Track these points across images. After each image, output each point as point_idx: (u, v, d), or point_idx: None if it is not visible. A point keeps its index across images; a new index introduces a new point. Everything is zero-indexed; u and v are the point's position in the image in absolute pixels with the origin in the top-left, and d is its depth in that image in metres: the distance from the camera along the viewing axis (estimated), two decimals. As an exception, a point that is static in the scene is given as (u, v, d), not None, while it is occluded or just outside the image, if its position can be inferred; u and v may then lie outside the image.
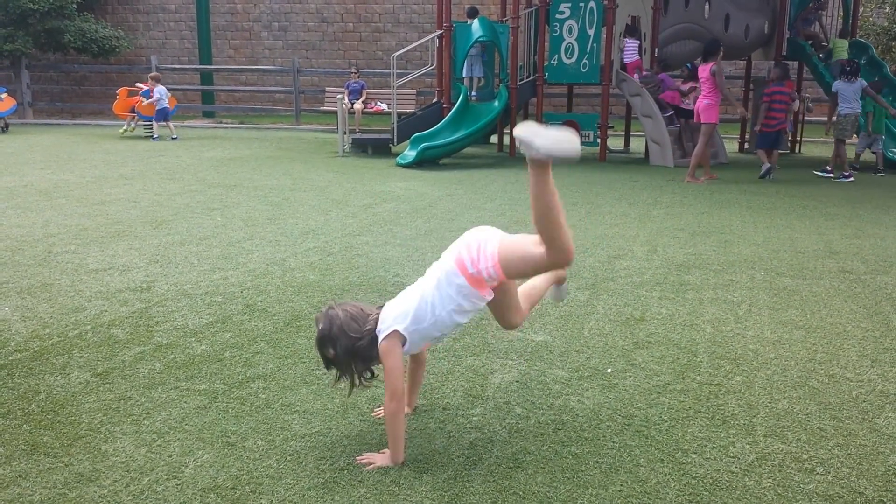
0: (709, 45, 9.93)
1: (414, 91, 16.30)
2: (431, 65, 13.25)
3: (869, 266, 5.41)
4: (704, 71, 9.73)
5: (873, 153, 11.29)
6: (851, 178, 10.21)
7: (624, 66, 12.10)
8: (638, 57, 11.99)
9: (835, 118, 10.64)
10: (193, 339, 3.75)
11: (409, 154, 10.77)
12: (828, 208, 7.89)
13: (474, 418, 2.92)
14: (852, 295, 4.67)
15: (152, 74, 14.74)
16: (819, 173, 10.51)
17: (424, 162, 10.69)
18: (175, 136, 14.03)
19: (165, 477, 2.49)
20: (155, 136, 14.03)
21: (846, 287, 4.84)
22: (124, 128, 14.48)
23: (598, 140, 12.06)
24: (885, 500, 2.40)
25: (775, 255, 5.69)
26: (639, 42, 12.09)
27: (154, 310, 4.19)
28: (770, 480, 2.51)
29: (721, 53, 9.79)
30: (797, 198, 8.54)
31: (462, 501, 2.34)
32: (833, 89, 10.61)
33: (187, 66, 20.22)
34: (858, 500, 2.40)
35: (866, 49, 13.48)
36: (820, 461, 2.64)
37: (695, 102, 11.70)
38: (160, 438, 2.75)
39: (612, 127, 12.75)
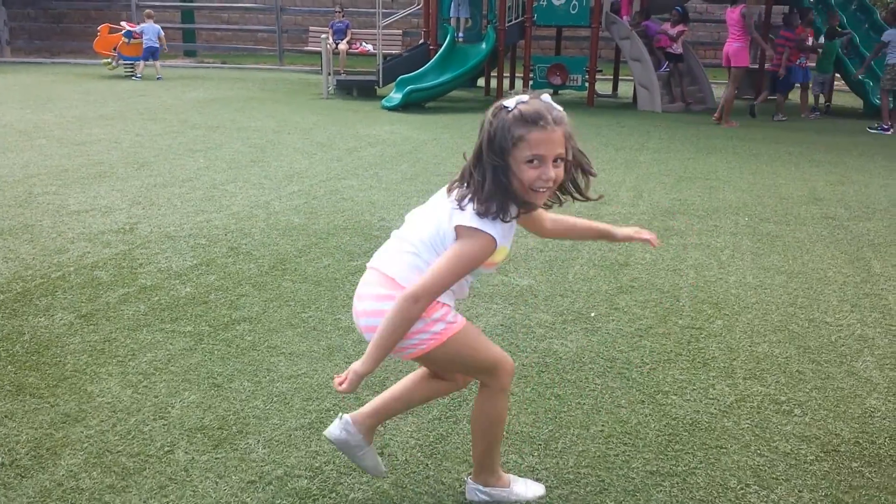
0: None
1: (400, 32, 15.99)
2: (418, 5, 12.98)
3: (852, 212, 5.44)
4: (734, 13, 9.61)
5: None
6: (889, 132, 9.78)
7: (617, 9, 11.89)
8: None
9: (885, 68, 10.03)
10: (178, 282, 3.74)
11: (395, 97, 10.62)
12: (813, 155, 7.89)
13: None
14: (834, 241, 4.71)
15: (147, 12, 14.37)
16: (873, 130, 9.86)
17: (410, 105, 10.56)
18: (160, 77, 13.75)
19: (152, 417, 2.51)
20: (138, 74, 13.73)
21: (829, 233, 4.88)
22: (107, 61, 14.14)
23: (587, 84, 11.94)
24: (860, 441, 2.46)
25: (759, 202, 5.71)
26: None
27: (137, 252, 4.16)
28: (748, 422, 2.56)
29: None
30: (783, 144, 8.54)
31: (447, 441, 2.38)
32: (884, 38, 9.95)
33: (168, 4, 19.70)
34: (835, 440, 2.46)
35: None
36: (798, 403, 2.70)
37: (681, 45, 11.56)
38: (146, 380, 2.76)
39: (600, 71, 12.61)
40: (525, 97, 1.77)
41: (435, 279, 1.77)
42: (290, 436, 2.40)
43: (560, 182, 1.80)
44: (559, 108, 1.79)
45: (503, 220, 1.77)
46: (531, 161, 1.73)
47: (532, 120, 1.72)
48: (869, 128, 9.95)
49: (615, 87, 13.92)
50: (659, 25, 12.05)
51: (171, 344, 3.06)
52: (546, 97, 1.80)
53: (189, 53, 19.37)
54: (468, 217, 1.76)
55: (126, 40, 13.93)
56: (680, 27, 11.62)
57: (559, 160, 1.76)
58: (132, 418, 2.50)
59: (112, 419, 2.49)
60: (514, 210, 1.80)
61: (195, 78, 14.40)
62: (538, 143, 1.72)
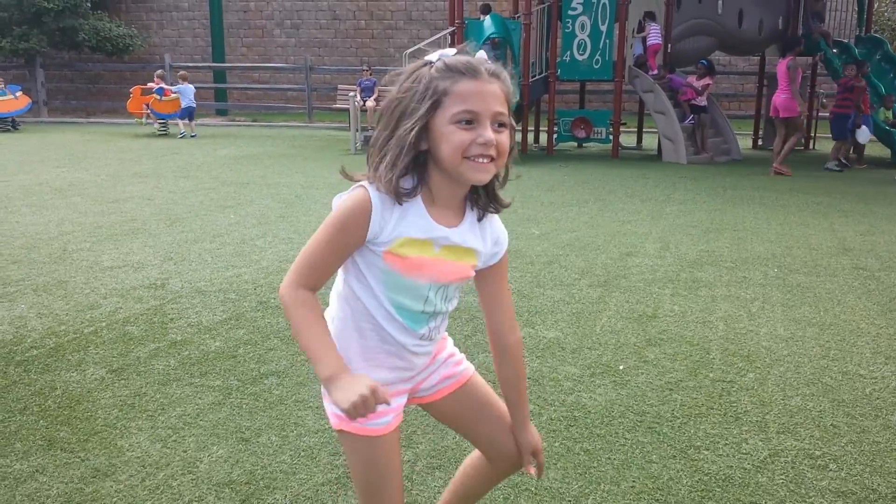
0: (789, 40, 10.12)
1: (426, 88, 16.29)
2: (443, 62, 13.23)
3: (883, 263, 5.37)
4: (781, 65, 9.84)
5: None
6: None
7: (641, 63, 12.03)
8: (660, 42, 11.87)
9: None
10: (207, 336, 3.78)
11: (421, 151, 10.77)
12: (842, 205, 7.84)
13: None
14: (866, 292, 4.64)
15: (182, 73, 14.87)
16: None
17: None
18: (194, 135, 14.13)
19: (181, 472, 2.52)
20: (191, 133, 14.19)
21: (860, 284, 4.82)
22: (139, 121, 14.60)
23: (611, 136, 12.02)
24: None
25: (788, 252, 5.66)
26: (660, 26, 11.95)
27: (168, 307, 4.22)
28: (783, 477, 2.51)
29: (800, 48, 9.88)
30: (811, 194, 8.49)
31: (474, 497, 2.35)
32: None
33: (200, 64, 20.33)
34: (871, 496, 2.39)
35: (881, 44, 13.37)
36: (833, 458, 2.64)
37: (707, 98, 11.66)
38: (175, 434, 2.78)
39: (624, 123, 12.71)
40: (451, 50, 1.46)
41: (302, 252, 1.46)
42: (317, 491, 2.39)
43: (507, 154, 1.44)
44: (497, 64, 1.45)
45: (398, 192, 1.41)
46: (461, 121, 1.37)
47: (461, 69, 1.39)
48: None
49: (639, 140, 14.00)
50: (683, 79, 12.16)
51: (199, 398, 3.08)
52: (482, 53, 1.47)
53: (221, 112, 19.88)
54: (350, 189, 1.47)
55: (158, 97, 14.35)
56: (706, 80, 11.71)
57: (501, 124, 1.41)
58: (161, 473, 2.51)
59: (141, 474, 2.50)
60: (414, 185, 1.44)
61: (227, 136, 14.75)
62: (470, 95, 1.37)
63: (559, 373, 3.36)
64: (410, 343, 1.56)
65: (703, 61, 12.06)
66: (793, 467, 2.57)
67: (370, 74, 16.12)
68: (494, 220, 1.59)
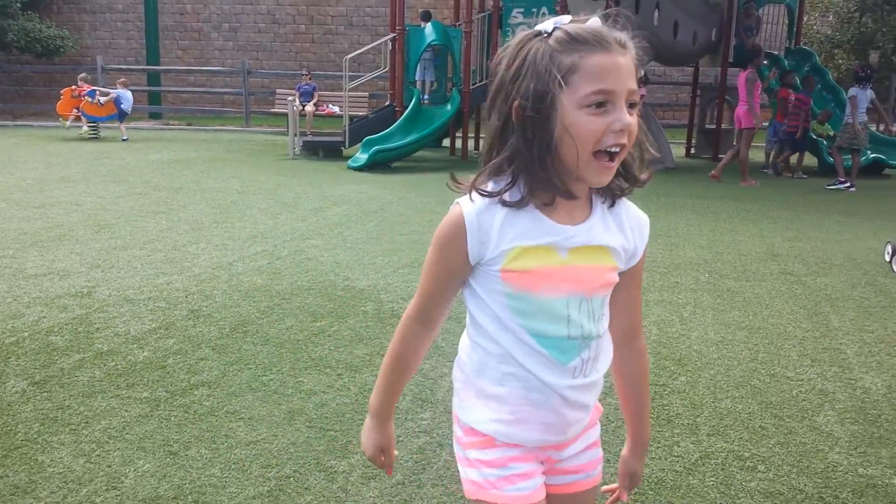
0: (748, 52, 10.41)
1: (366, 94, 16.22)
2: (384, 68, 13.21)
3: (809, 268, 5.55)
4: (741, 78, 10.08)
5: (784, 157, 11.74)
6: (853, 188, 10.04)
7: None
8: None
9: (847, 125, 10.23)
10: (135, 346, 3.66)
11: (361, 157, 10.71)
12: (770, 212, 8.08)
13: (423, 422, 2.91)
14: (793, 296, 4.79)
15: (122, 80, 14.47)
16: (831, 187, 10.09)
17: (376, 165, 10.64)
18: (125, 138, 13.74)
19: (105, 488, 2.42)
20: (122, 136, 13.78)
21: (787, 288, 4.96)
22: (68, 124, 14.15)
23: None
24: (824, 496, 2.46)
25: (719, 258, 5.80)
26: None
27: (94, 316, 4.08)
28: (713, 479, 2.55)
29: (759, 60, 10.16)
30: (741, 202, 8.73)
31: (409, 506, 2.33)
32: (850, 94, 10.23)
33: (134, 67, 19.82)
34: (798, 496, 2.45)
35: (809, 56, 13.86)
36: (761, 459, 2.70)
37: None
38: (99, 448, 2.67)
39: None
40: (565, 17, 1.18)
41: (419, 284, 1.31)
42: (248, 504, 2.33)
43: (633, 139, 1.18)
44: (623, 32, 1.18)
45: (507, 201, 1.18)
46: (595, 105, 1.12)
47: (588, 40, 1.12)
48: (827, 185, 10.21)
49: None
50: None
51: (126, 411, 2.98)
52: (595, 20, 1.17)
53: (154, 116, 19.41)
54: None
55: (90, 99, 13.93)
56: (641, 90, 11.95)
57: (632, 104, 1.16)
58: (84, 489, 2.41)
59: (63, 490, 2.40)
60: (542, 194, 1.19)
61: (160, 140, 14.40)
62: (604, 71, 1.11)
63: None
64: (562, 384, 1.25)
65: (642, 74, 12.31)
66: (723, 469, 2.62)
67: (310, 79, 15.97)
68: (630, 206, 1.32)
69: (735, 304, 4.59)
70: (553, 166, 1.16)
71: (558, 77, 1.11)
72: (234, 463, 2.58)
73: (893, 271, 5.46)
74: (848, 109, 10.20)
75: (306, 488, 2.42)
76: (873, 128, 12.32)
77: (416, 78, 12.43)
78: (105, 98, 13.94)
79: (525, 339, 1.23)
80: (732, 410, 3.10)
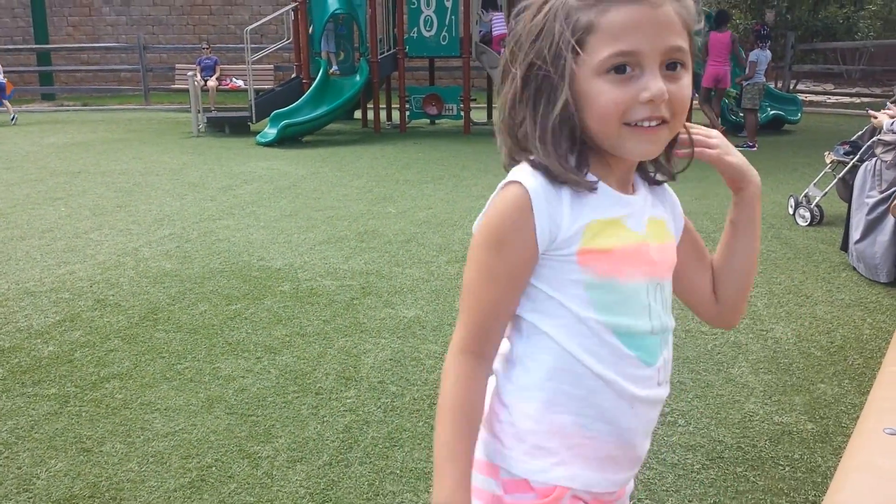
0: (721, 14, 10.75)
1: (271, 66, 15.76)
2: (287, 39, 12.86)
3: (717, 224, 5.72)
4: (724, 38, 10.35)
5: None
6: (755, 148, 10.31)
7: (488, 39, 12.17)
8: (505, 30, 12.09)
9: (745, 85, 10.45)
10: (39, 341, 3.46)
11: (270, 132, 10.42)
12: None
13: (348, 400, 2.86)
14: (703, 252, 4.93)
15: None
16: (743, 147, 10.35)
17: (286, 140, 10.38)
18: (14, 117, 12.98)
19: (15, 490, 2.29)
20: (12, 118, 12.95)
21: (698, 245, 5.11)
22: None
23: (462, 113, 12.13)
24: (742, 445, 2.54)
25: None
26: (502, 14, 12.17)
27: (-8, 311, 3.84)
28: (637, 436, 2.60)
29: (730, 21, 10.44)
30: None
31: (339, 487, 2.28)
32: (752, 58, 10.37)
33: (21, 47, 18.67)
34: (718, 447, 2.53)
35: (707, 18, 14.23)
36: (681, 413, 2.77)
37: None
38: (7, 450, 2.52)
39: (474, 99, 12.86)
40: None
41: (461, 301, 1.03)
42: (169, 497, 2.24)
43: (684, 111, 0.97)
44: None
45: (563, 176, 0.96)
46: (615, 69, 0.92)
47: None
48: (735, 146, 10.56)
49: (489, 115, 14.22)
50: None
51: (33, 409, 2.81)
52: None
53: (47, 97, 18.40)
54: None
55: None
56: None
57: (677, 65, 0.94)
58: (-12, 496, 2.26)
59: (-35, 500, 2.25)
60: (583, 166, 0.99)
61: (54, 122, 13.65)
62: (626, 26, 0.91)
63: (420, 352, 3.33)
64: (648, 396, 1.04)
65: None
66: (646, 426, 2.68)
67: (210, 52, 15.40)
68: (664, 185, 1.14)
69: (649, 263, 4.69)
70: (589, 140, 0.98)
71: (571, 41, 0.92)
72: (151, 456, 2.47)
73: (797, 224, 5.70)
74: (748, 71, 10.54)
75: (230, 476, 2.34)
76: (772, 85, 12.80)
77: (322, 49, 12.15)
78: None
79: (611, 340, 1.00)
80: (652, 367, 3.17)
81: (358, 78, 11.76)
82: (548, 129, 0.96)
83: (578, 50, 0.92)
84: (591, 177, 0.99)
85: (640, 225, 1.02)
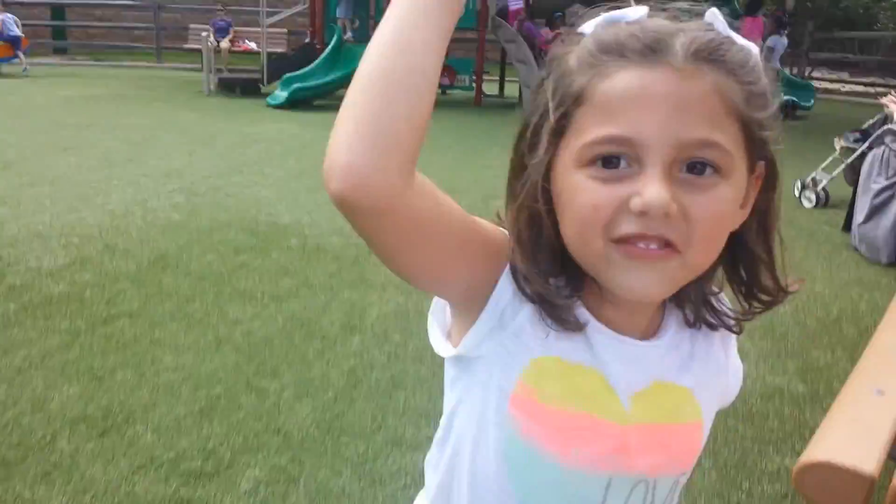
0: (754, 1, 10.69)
1: (284, 31, 15.72)
2: (303, 4, 12.82)
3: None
4: (757, 22, 10.36)
5: None
6: None
7: (504, 13, 12.13)
8: (521, 5, 12.05)
9: None
10: (50, 280, 3.53)
11: (280, 94, 10.44)
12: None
13: (353, 346, 2.93)
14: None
15: None
16: None
17: (297, 103, 10.40)
18: (26, 69, 13.03)
19: (30, 410, 2.38)
20: (23, 68, 13.03)
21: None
22: None
23: (474, 85, 12.12)
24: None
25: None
26: None
27: (4, 251, 3.90)
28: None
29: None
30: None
31: (344, 419, 2.36)
32: (769, 44, 10.41)
33: (36, 0, 18.62)
34: (711, 404, 2.60)
35: (728, 1, 14.15)
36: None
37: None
38: (20, 375, 2.60)
39: (487, 72, 12.84)
40: (640, 8, 0.67)
41: None
42: (180, 422, 2.32)
43: (710, 239, 0.66)
44: (725, 28, 0.66)
45: (545, 298, 0.68)
46: (603, 160, 0.64)
47: (615, 48, 0.65)
48: None
49: (501, 88, 14.20)
50: (537, 28, 12.39)
51: (45, 340, 2.89)
52: (713, 13, 0.67)
53: (59, 51, 18.38)
54: None
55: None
56: (556, 31, 11.99)
57: (706, 167, 0.63)
58: (9, 412, 2.35)
59: (-19, 417, 2.33)
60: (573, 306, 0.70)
61: (67, 76, 13.66)
62: (628, 99, 0.63)
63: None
64: None
65: (557, 14, 12.30)
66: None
67: (225, 14, 15.35)
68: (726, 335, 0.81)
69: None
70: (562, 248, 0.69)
71: (551, 115, 0.66)
72: (162, 386, 2.55)
73: (801, 205, 5.75)
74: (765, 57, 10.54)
75: (238, 406, 2.42)
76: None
77: (338, 16, 12.11)
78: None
79: None
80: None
81: (371, 45, 11.74)
82: (522, 234, 0.70)
83: (562, 128, 0.66)
84: (582, 313, 0.70)
85: (627, 386, 0.71)
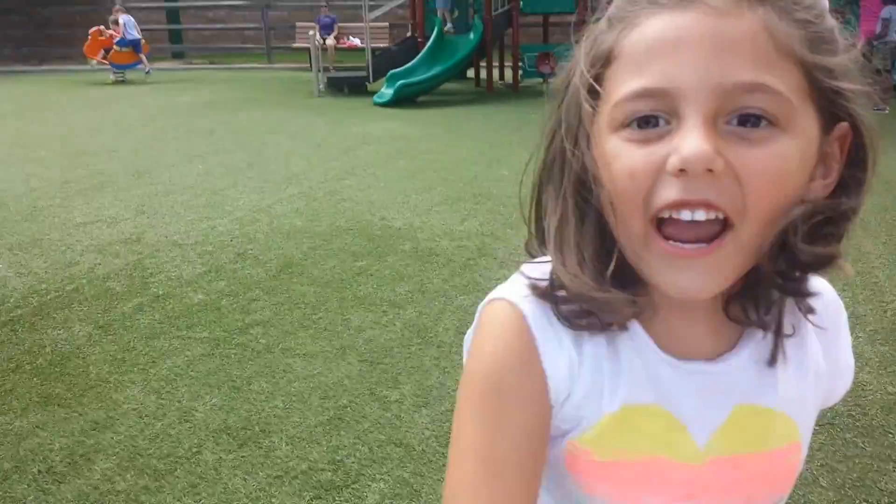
0: None
1: (387, 24, 16.04)
2: (404, -2, 13.04)
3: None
4: None
5: None
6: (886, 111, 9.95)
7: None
8: None
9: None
10: (189, 289, 3.85)
11: (386, 92, 10.71)
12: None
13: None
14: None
15: (116, 7, 14.49)
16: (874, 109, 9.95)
17: (402, 100, 10.64)
18: (149, 70, 13.99)
19: (177, 421, 2.63)
20: (148, 70, 14.04)
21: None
22: (103, 65, 14.36)
23: (575, 71, 12.01)
24: (853, 413, 2.59)
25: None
26: None
27: (147, 261, 4.26)
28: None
29: None
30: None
31: (460, 432, 2.50)
32: (884, 14, 9.83)
33: (152, 5, 19.70)
34: (830, 414, 2.59)
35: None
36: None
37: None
38: (168, 385, 2.88)
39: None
40: None
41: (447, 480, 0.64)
42: (311, 432, 2.52)
43: (766, 206, 0.55)
44: None
45: (570, 320, 0.63)
46: (638, 121, 0.56)
47: None
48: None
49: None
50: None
51: (188, 350, 3.17)
52: None
53: (177, 55, 19.41)
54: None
55: (118, 48, 14.03)
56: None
57: (761, 119, 0.53)
58: (159, 423, 2.61)
59: (139, 424, 2.61)
60: (618, 303, 0.61)
61: (186, 80, 14.45)
62: (657, 47, 0.55)
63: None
64: None
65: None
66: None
67: (328, 10, 15.79)
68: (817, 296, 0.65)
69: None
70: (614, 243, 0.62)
71: (588, 77, 0.60)
72: (294, 395, 2.77)
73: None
74: (879, 28, 9.90)
75: (363, 416, 2.60)
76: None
77: (438, 6, 12.27)
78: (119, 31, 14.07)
79: None
80: (764, 335, 3.21)
81: (472, 36, 11.84)
82: (566, 226, 0.63)
83: (597, 88, 0.60)
84: (638, 334, 0.64)
85: (702, 420, 0.63)
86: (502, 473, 0.60)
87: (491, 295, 0.67)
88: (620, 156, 0.56)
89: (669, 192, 0.54)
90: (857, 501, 2.14)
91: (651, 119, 0.56)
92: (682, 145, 0.53)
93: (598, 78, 0.59)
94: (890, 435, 2.45)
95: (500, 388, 0.62)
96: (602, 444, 0.61)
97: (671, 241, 0.56)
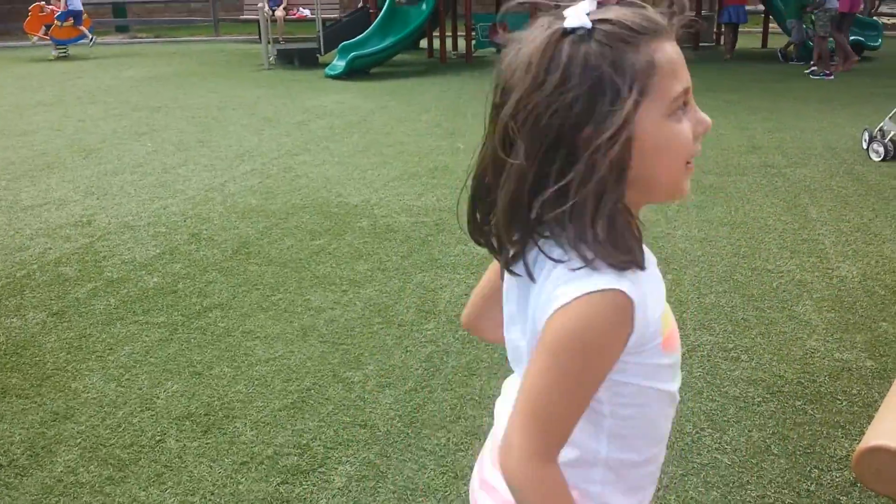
0: None
1: (337, -5, 15.75)
2: (354, -32, 12.80)
3: (789, 159, 5.70)
4: None
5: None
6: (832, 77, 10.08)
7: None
8: None
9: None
10: (144, 272, 3.79)
11: (338, 64, 10.56)
12: (751, 102, 8.16)
13: (428, 332, 3.10)
14: (773, 189, 4.96)
15: None
16: (816, 77, 10.05)
17: (354, 72, 10.52)
18: (93, 39, 13.68)
19: (139, 409, 2.61)
20: (90, 40, 13.68)
21: (768, 181, 5.13)
22: (43, 42, 13.89)
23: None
24: (802, 381, 2.69)
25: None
26: None
27: (99, 244, 4.18)
28: (700, 370, 2.77)
29: None
30: (721, 91, 8.76)
31: (424, 410, 2.54)
32: None
33: (93, -23, 19.03)
34: (779, 382, 2.68)
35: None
36: (744, 349, 2.92)
37: None
38: (127, 373, 2.85)
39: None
40: (583, 3, 0.89)
41: (531, 403, 0.89)
42: (275, 416, 2.53)
43: None
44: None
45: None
46: (680, 108, 0.89)
47: (646, 28, 0.87)
48: (810, 74, 10.13)
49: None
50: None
51: (146, 336, 3.14)
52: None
53: (121, 29, 18.82)
54: (574, 286, 0.87)
55: (59, 23, 13.55)
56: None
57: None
58: (120, 411, 2.59)
59: (101, 413, 2.58)
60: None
61: (130, 55, 14.05)
62: (677, 60, 0.89)
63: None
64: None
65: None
66: (708, 360, 2.84)
67: (278, -18, 15.44)
68: None
69: (718, 200, 4.75)
70: (654, 191, 0.96)
71: (635, 87, 0.85)
72: (256, 379, 2.76)
73: (870, 158, 5.63)
74: None
75: (327, 399, 2.62)
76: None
77: (389, -23, 12.09)
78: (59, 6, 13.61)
79: (673, 407, 1.04)
80: (716, 305, 3.31)
81: (424, 6, 11.71)
82: (605, 205, 0.88)
83: (644, 93, 0.86)
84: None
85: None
86: (587, 392, 0.91)
87: (589, 287, 0.87)
88: (682, 130, 0.89)
89: (698, 144, 0.92)
90: (809, 468, 2.23)
91: (683, 106, 0.89)
92: (704, 118, 0.92)
93: (644, 86, 0.86)
94: (838, 401, 2.55)
95: (600, 352, 0.90)
96: (664, 328, 0.96)
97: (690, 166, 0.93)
